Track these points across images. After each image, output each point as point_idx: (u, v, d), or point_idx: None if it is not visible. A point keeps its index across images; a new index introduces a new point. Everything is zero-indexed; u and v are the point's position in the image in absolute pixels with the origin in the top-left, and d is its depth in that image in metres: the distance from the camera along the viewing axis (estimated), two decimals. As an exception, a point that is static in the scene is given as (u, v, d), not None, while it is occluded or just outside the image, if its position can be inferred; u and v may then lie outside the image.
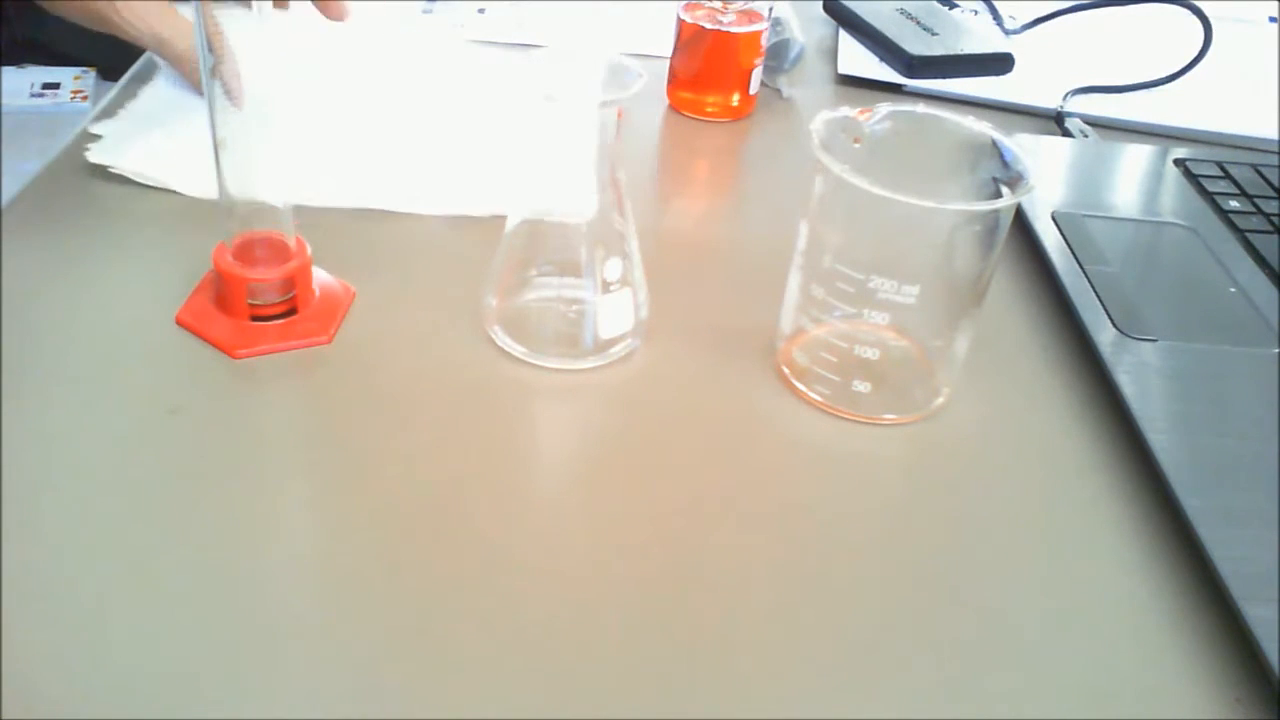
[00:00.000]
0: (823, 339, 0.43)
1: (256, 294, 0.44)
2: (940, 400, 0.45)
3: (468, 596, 0.35)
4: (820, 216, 0.43)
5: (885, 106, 0.44)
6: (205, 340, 0.44)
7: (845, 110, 0.43)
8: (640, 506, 0.39)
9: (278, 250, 0.45)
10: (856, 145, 0.43)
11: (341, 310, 0.46)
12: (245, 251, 0.44)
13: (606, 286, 0.44)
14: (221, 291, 0.45)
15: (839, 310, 0.42)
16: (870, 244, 0.41)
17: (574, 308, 0.45)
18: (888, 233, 0.41)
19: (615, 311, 0.45)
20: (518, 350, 0.45)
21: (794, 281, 0.44)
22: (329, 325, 0.45)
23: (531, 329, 0.45)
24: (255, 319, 0.45)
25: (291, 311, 0.45)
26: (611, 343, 0.45)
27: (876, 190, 0.39)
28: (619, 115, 0.41)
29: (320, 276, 0.47)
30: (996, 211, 0.40)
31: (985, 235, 0.41)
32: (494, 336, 0.45)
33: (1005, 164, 0.42)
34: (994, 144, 0.43)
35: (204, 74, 0.40)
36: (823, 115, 0.43)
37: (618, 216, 0.44)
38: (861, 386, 0.43)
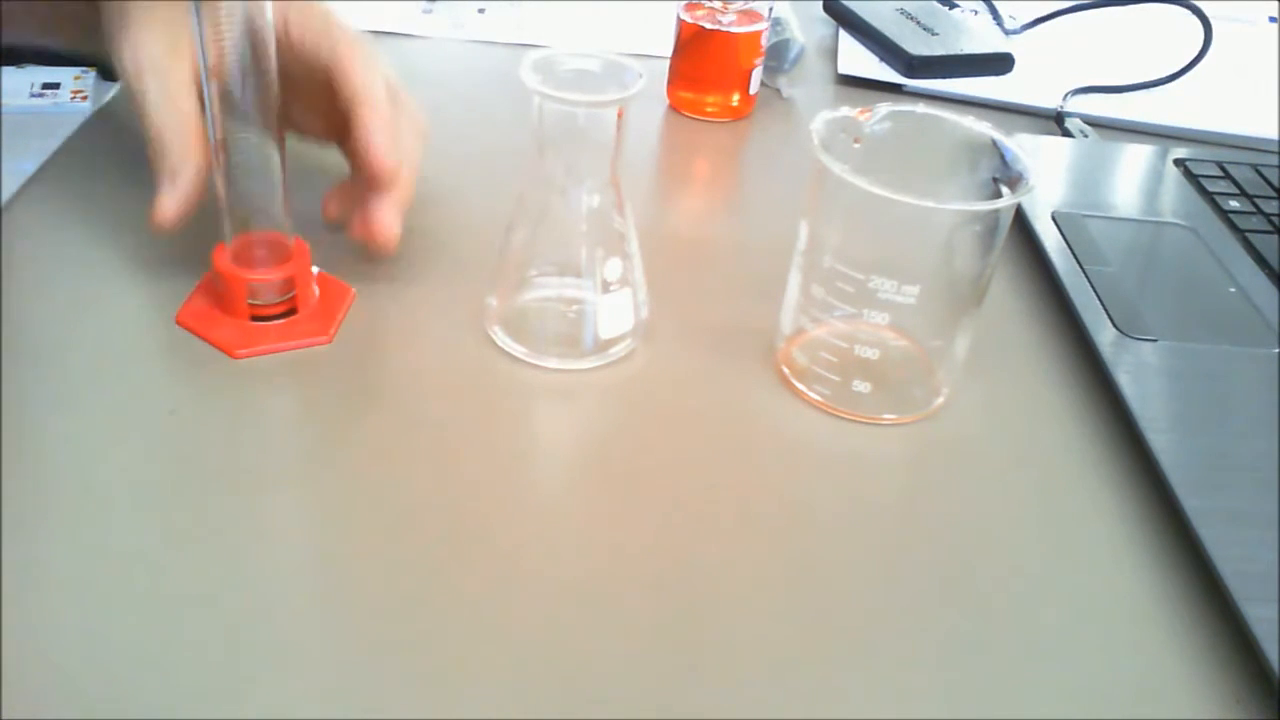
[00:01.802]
0: (823, 339, 0.43)
1: (256, 294, 0.44)
2: (940, 400, 0.45)
3: (467, 596, 0.35)
4: (820, 216, 0.43)
5: (885, 106, 0.44)
6: (206, 341, 0.44)
7: (845, 110, 0.43)
8: (641, 506, 0.39)
9: (277, 250, 0.45)
10: (856, 145, 0.43)
11: (342, 310, 0.46)
12: (244, 252, 0.44)
13: (606, 286, 0.44)
14: (221, 292, 0.45)
15: (839, 310, 0.42)
16: (870, 244, 0.41)
17: (574, 308, 0.45)
18: (888, 233, 0.41)
19: (615, 311, 0.45)
20: (518, 350, 0.45)
21: (794, 281, 0.44)
22: (329, 325, 0.45)
23: (531, 329, 0.45)
24: (255, 319, 0.45)
25: (291, 311, 0.45)
26: (611, 343, 0.45)
27: (876, 190, 0.39)
28: (619, 115, 0.41)
29: (319, 276, 0.47)
30: (996, 211, 0.40)
31: (985, 235, 0.41)
32: (494, 336, 0.45)
33: (1005, 164, 0.42)
34: (994, 144, 0.43)
35: (203, 73, 0.40)
36: (823, 115, 0.43)
37: (618, 216, 0.44)
38: (861, 386, 0.43)
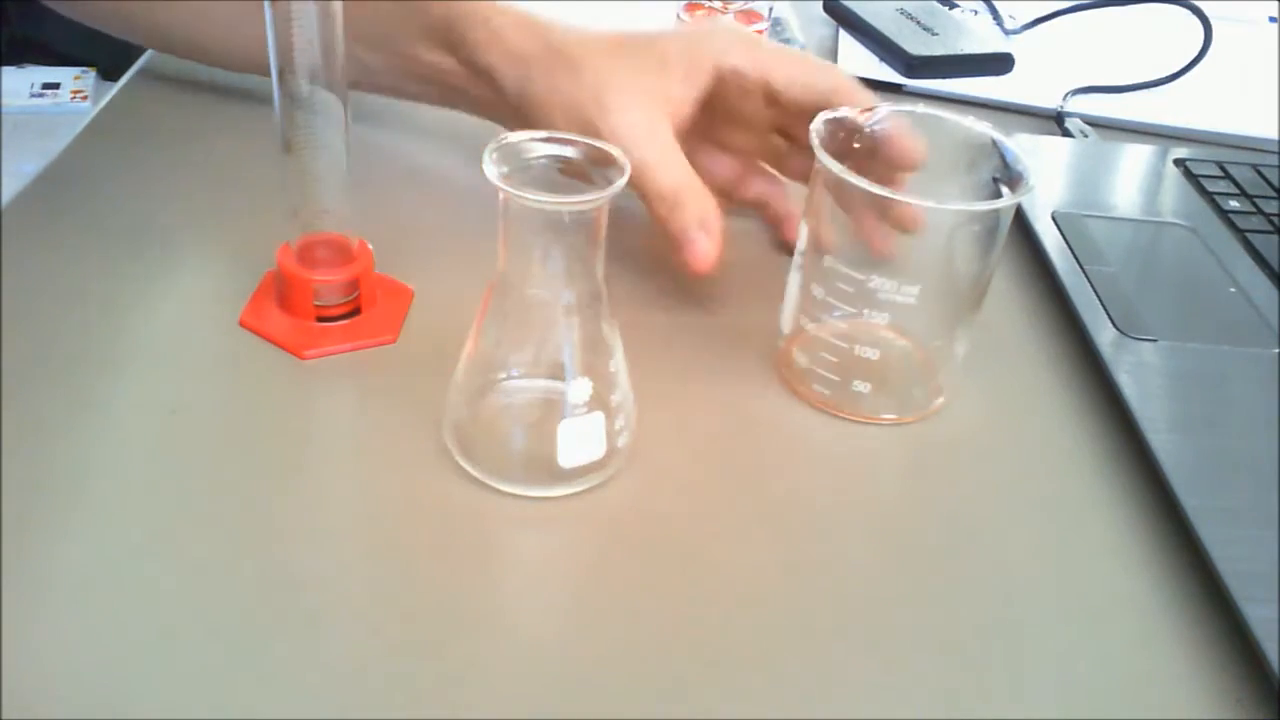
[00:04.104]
0: (823, 339, 0.43)
1: (321, 295, 0.44)
2: (940, 400, 0.45)
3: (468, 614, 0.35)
4: (820, 216, 0.43)
5: (885, 106, 0.44)
6: (271, 342, 0.44)
7: (845, 110, 0.43)
8: (639, 505, 0.39)
9: (340, 251, 0.45)
10: (857, 146, 0.43)
11: (404, 310, 0.46)
12: (307, 253, 0.44)
13: (573, 410, 0.38)
14: (286, 293, 0.44)
15: (839, 310, 0.42)
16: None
17: (537, 428, 0.39)
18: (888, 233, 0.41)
19: (580, 440, 0.38)
20: (475, 471, 0.39)
21: (794, 281, 0.44)
22: (394, 325, 0.45)
23: (491, 448, 0.39)
24: (321, 320, 0.45)
25: (355, 312, 0.45)
26: (576, 473, 0.38)
27: (876, 190, 0.39)
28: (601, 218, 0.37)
29: (376, 276, 0.47)
30: (996, 212, 0.40)
31: (985, 235, 0.41)
32: (453, 453, 0.39)
33: (1005, 164, 0.42)
34: (994, 144, 0.43)
35: (274, 74, 0.40)
36: (822, 115, 0.43)
37: (605, 325, 0.38)
38: (861, 386, 0.43)
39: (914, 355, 0.45)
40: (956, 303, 0.43)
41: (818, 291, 0.42)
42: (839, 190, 0.41)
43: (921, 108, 0.44)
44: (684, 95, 0.47)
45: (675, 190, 0.45)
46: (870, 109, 0.44)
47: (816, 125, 0.42)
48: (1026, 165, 0.41)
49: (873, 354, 0.43)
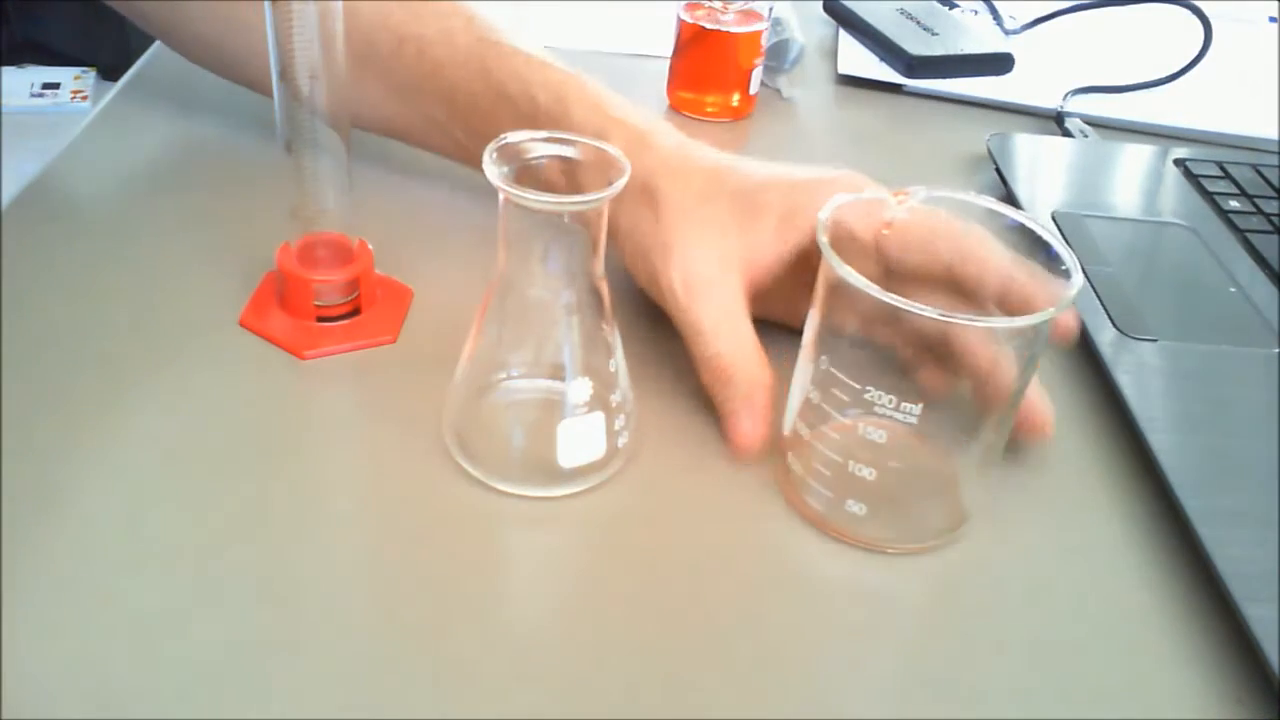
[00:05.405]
0: (818, 450, 0.38)
1: (321, 295, 0.44)
2: (964, 528, 0.39)
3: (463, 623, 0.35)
4: (823, 312, 0.37)
5: (923, 191, 0.39)
6: (271, 342, 0.44)
7: (872, 192, 0.39)
8: (639, 505, 0.39)
9: (340, 251, 0.45)
10: (886, 231, 0.39)
11: (404, 310, 0.46)
12: (307, 253, 0.44)
13: (574, 410, 0.38)
14: (286, 293, 0.44)
15: (834, 419, 0.37)
16: (876, 349, 0.36)
17: (536, 429, 0.39)
18: (900, 340, 0.37)
19: (580, 440, 0.38)
20: (476, 471, 0.39)
21: (797, 377, 0.39)
22: (394, 325, 0.45)
23: (489, 448, 0.39)
24: (320, 320, 0.45)
25: (355, 312, 0.45)
26: (577, 473, 0.39)
27: (887, 299, 0.34)
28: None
29: (378, 276, 0.47)
30: (1033, 326, 0.35)
31: (1022, 347, 0.36)
32: (451, 452, 0.40)
33: (1049, 259, 0.37)
34: (1036, 236, 0.37)
35: (274, 74, 0.40)
36: (836, 201, 0.37)
37: (604, 325, 0.38)
38: (856, 508, 0.38)
39: (923, 479, 0.40)
40: (978, 422, 0.38)
41: (814, 395, 0.38)
42: (842, 288, 0.36)
43: (961, 195, 0.39)
44: (773, 251, 0.42)
45: (723, 358, 0.40)
46: (906, 192, 0.39)
47: (825, 214, 0.37)
48: (1073, 263, 0.36)
49: (869, 474, 0.37)
